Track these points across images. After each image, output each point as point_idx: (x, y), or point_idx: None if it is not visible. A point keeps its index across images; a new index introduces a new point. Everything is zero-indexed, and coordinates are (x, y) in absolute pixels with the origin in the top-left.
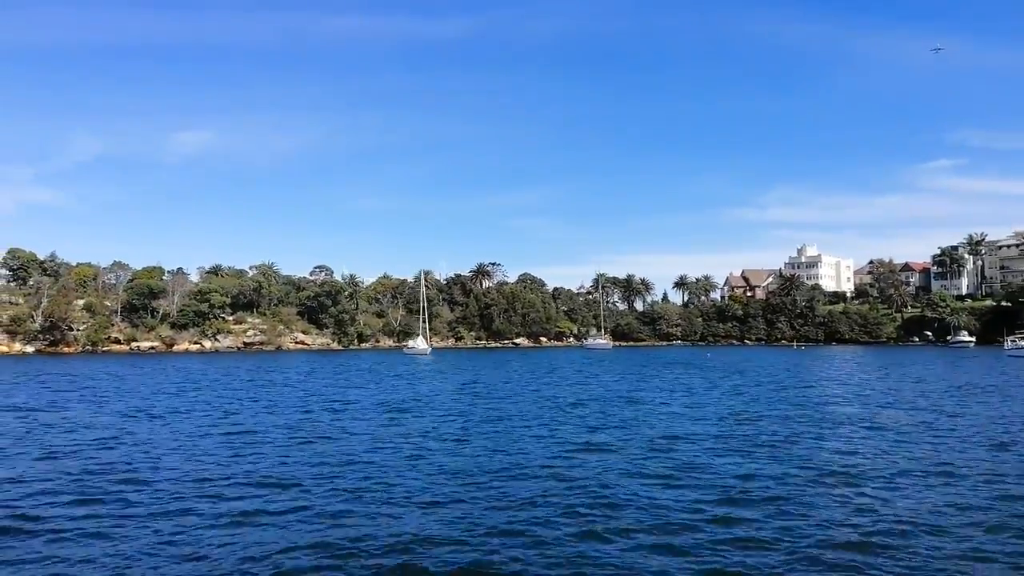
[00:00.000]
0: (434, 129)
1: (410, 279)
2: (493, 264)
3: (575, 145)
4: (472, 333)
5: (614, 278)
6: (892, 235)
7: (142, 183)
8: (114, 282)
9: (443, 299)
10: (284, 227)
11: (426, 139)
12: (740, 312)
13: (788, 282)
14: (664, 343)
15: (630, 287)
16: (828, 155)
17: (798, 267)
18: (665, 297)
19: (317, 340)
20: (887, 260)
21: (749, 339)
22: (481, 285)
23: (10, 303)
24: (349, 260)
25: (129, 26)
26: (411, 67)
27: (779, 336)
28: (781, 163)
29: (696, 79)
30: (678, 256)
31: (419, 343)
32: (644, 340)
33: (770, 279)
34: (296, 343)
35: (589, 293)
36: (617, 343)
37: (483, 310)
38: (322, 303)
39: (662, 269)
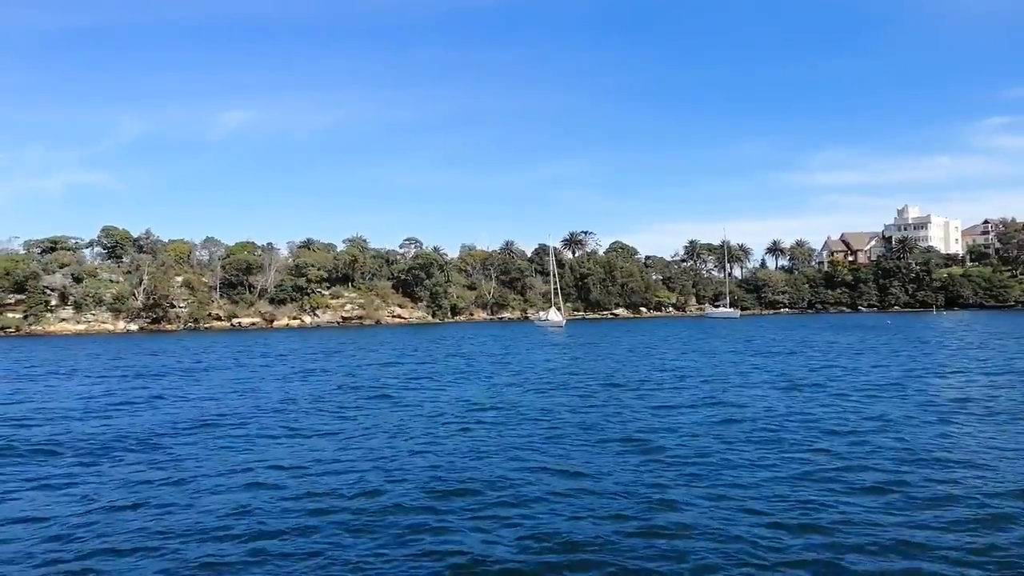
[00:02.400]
0: (474, 101)
1: (496, 249)
2: (585, 233)
3: (615, 115)
4: (568, 304)
5: (708, 245)
6: (943, 197)
7: (186, 163)
8: (206, 258)
9: (534, 269)
10: (327, 203)
11: (465, 112)
12: (849, 277)
13: (900, 244)
14: (770, 311)
15: (727, 253)
16: (873, 116)
17: (904, 228)
18: (763, 264)
19: (414, 314)
20: (1009, 219)
21: (861, 306)
22: (573, 254)
23: (111, 281)
24: (389, 235)
25: (167, 7)
26: (452, 38)
27: (892, 302)
28: (826, 126)
29: (740, 42)
30: (719, 223)
31: (552, 315)
32: (748, 309)
33: (872, 242)
34: (394, 317)
35: (683, 260)
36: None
37: (579, 280)
38: (416, 276)
39: (705, 238)
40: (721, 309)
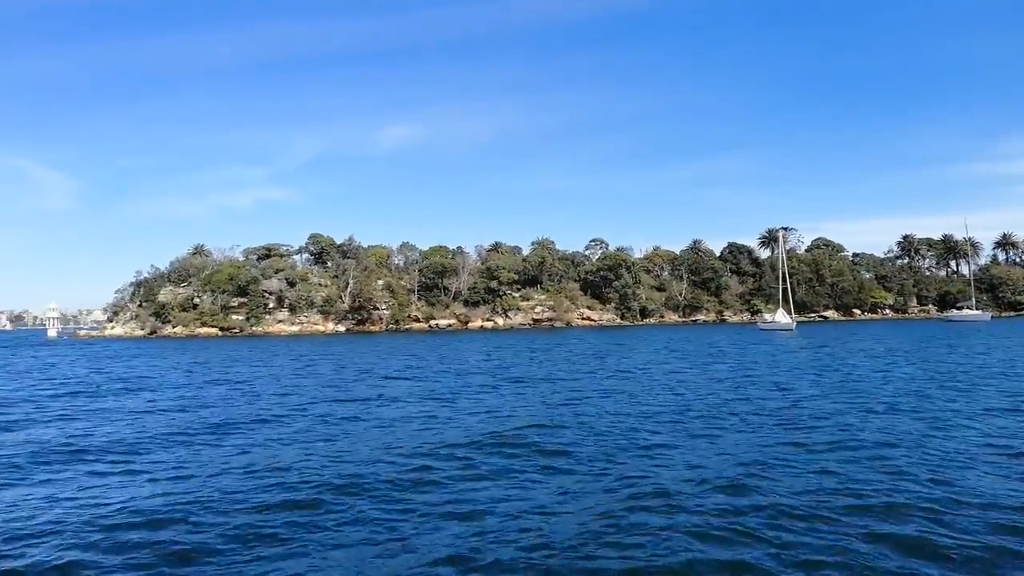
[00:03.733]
0: (622, 103)
1: (679, 250)
2: (786, 229)
3: (771, 110)
4: (769, 306)
5: (927, 239)
6: None
7: (356, 176)
8: (401, 262)
9: (728, 269)
10: (484, 208)
11: (612, 113)
12: None
13: None
14: (1011, 314)
15: (951, 249)
16: None
17: None
18: (994, 259)
19: (603, 316)
20: None
21: None
22: (772, 252)
23: (320, 284)
24: (561, 237)
25: (335, 35)
26: (598, 41)
27: None
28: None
29: (905, 23)
30: (894, 220)
31: (780, 317)
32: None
33: None
34: (583, 319)
35: (898, 257)
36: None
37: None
38: (604, 277)
39: (874, 237)
40: (966, 311)
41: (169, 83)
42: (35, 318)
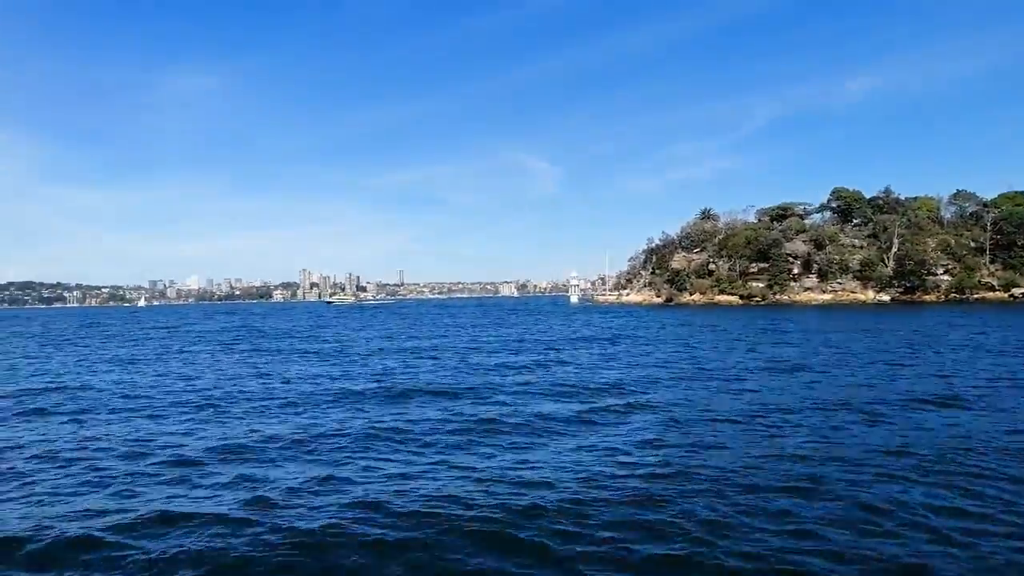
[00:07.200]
0: None
1: None
2: None
3: None
4: None
5: None
6: None
7: (821, 134)
8: (948, 216)
9: None
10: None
11: None
12: None
13: None
14: None
15: None
16: None
17: None
18: None
19: None
20: None
21: None
22: None
23: (854, 246)
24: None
25: None
26: None
27: None
28: None
29: None
30: None
31: None
32: None
33: None
34: None
35: None
36: None
37: None
38: None
39: None
40: None
41: (627, 72)
42: (535, 286)
